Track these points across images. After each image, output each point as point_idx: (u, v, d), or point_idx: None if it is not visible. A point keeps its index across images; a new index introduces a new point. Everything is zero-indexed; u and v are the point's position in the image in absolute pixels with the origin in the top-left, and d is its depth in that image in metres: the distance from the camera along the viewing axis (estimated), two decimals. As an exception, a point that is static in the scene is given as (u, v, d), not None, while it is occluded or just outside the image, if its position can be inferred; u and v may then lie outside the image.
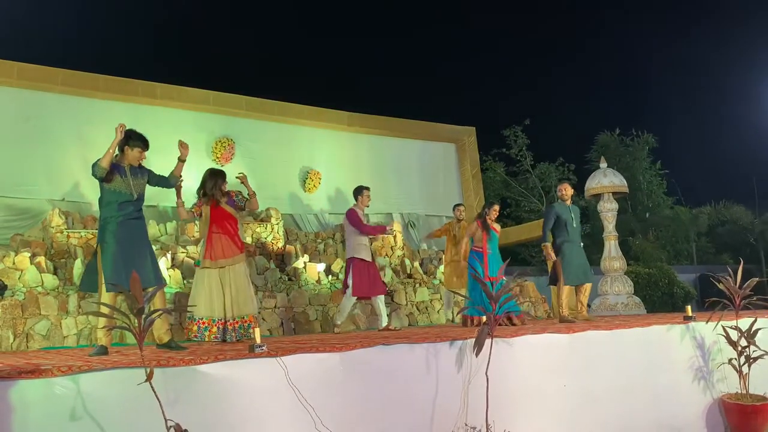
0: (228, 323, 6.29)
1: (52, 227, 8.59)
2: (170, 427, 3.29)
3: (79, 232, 8.67)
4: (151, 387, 3.29)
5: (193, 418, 3.48)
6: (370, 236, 7.69)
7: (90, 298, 7.34)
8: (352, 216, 7.57)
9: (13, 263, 7.61)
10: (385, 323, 7.41)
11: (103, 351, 4.74)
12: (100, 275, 5.06)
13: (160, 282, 5.21)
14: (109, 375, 3.50)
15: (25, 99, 9.44)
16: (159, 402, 3.29)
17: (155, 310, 3.87)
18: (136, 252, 5.13)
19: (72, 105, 9.84)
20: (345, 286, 7.53)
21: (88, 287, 5.41)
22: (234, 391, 3.84)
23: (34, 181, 9.35)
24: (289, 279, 9.33)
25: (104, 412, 3.41)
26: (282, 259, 9.94)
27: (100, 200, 5.28)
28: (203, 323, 6.28)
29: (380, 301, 7.48)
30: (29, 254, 7.81)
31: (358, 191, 7.84)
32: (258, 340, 4.19)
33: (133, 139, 5.35)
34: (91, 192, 9.74)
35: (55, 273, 7.89)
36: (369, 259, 7.48)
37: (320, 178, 11.99)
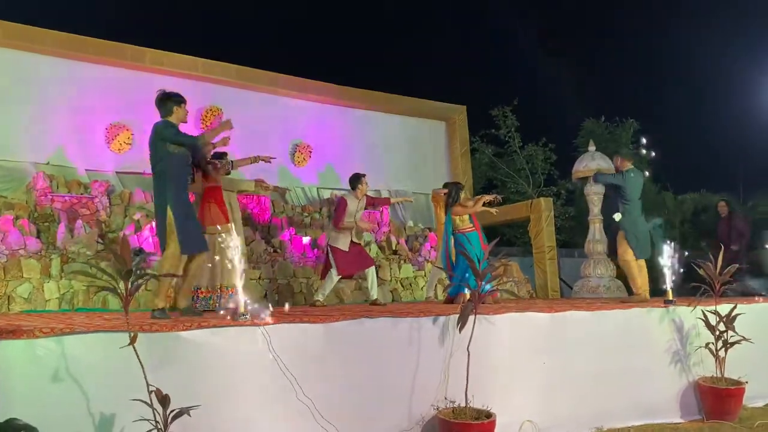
0: (211, 292, 6.33)
1: (37, 190, 8.50)
2: (151, 391, 3.30)
3: (64, 196, 8.59)
4: (135, 351, 3.29)
5: (174, 383, 3.49)
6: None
7: (72, 263, 7.30)
8: (338, 206, 7.43)
9: (-4, 225, 7.55)
10: (374, 296, 7.43)
11: (164, 315, 4.82)
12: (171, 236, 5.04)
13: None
14: (92, 338, 3.50)
15: (10, 60, 9.27)
16: (141, 366, 3.30)
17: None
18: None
19: (60, 67, 9.68)
20: (327, 266, 7.51)
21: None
22: (216, 359, 3.86)
23: (19, 143, 9.21)
24: (275, 251, 9.33)
25: (86, 375, 3.41)
26: (268, 231, 9.93)
27: (168, 167, 5.06)
28: (201, 293, 6.36)
29: (372, 272, 7.49)
30: (12, 216, 7.73)
31: (356, 180, 7.57)
32: (242, 309, 4.20)
33: (178, 96, 5.27)
34: (76, 156, 9.65)
35: (38, 236, 7.84)
36: (346, 248, 7.31)
37: (310, 152, 11.94)
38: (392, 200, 9.08)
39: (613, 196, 7.61)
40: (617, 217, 7.32)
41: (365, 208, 7.84)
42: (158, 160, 5.09)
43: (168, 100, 5.21)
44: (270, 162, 6.87)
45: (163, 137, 5.02)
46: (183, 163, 5.15)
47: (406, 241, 11.05)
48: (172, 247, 5.04)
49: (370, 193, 11.30)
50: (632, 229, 7.18)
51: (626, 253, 7.24)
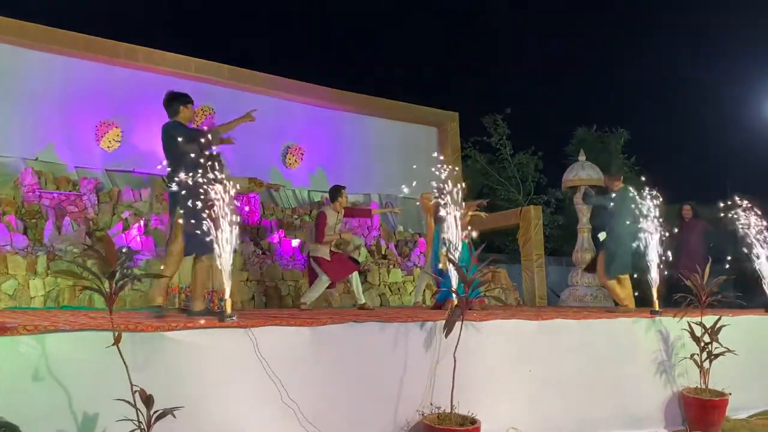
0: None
1: (24, 186, 8.44)
2: (135, 391, 3.27)
3: (52, 193, 8.54)
4: (119, 350, 3.27)
5: (159, 383, 3.47)
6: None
7: (59, 261, 7.25)
8: (318, 221, 7.35)
9: (-18, 220, 7.49)
10: (362, 300, 7.41)
11: (161, 312, 4.82)
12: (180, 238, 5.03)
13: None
14: (76, 336, 3.47)
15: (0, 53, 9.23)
16: (126, 366, 3.28)
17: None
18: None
19: (50, 63, 9.64)
20: (312, 276, 7.44)
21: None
22: (202, 360, 3.83)
23: (8, 138, 9.16)
24: (263, 253, 9.31)
25: (69, 374, 3.38)
26: (257, 233, 9.91)
27: (179, 167, 4.96)
28: (184, 291, 6.32)
29: (356, 277, 7.46)
30: (-1, 212, 7.69)
31: (336, 193, 7.46)
32: (228, 311, 4.18)
33: (185, 96, 5.28)
34: (65, 152, 9.60)
35: (25, 233, 7.78)
36: (328, 257, 7.21)
37: (302, 154, 11.93)
38: (373, 212, 9.03)
39: (602, 213, 7.66)
40: (602, 236, 7.42)
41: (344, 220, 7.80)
42: (170, 160, 5.13)
43: (174, 101, 5.26)
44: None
45: (172, 136, 5.03)
46: (194, 163, 5.10)
47: (396, 246, 11.05)
48: (174, 246, 5.09)
49: (359, 198, 11.30)
50: (615, 247, 7.25)
51: (602, 276, 7.45)
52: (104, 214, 8.74)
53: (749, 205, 7.22)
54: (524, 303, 10.87)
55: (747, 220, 7.17)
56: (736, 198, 7.22)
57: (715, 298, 6.06)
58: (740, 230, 7.24)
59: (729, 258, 7.43)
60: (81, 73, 9.87)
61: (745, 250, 7.24)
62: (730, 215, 7.24)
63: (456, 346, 4.48)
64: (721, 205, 7.33)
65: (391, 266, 10.09)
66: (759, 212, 7.23)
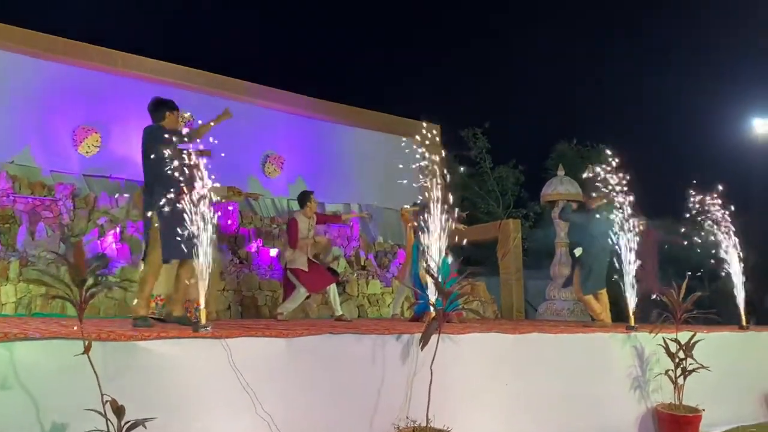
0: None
1: (-2, 190, 8.31)
2: (106, 401, 3.21)
3: (26, 198, 8.41)
4: (89, 359, 3.21)
5: (131, 394, 3.41)
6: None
7: (32, 267, 7.13)
8: (290, 227, 7.33)
9: (-47, 224, 7.34)
10: (340, 312, 7.37)
11: (146, 323, 4.72)
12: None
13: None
14: (46, 345, 3.40)
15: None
16: (96, 375, 3.21)
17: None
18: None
19: (28, 66, 9.52)
20: (289, 288, 7.37)
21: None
22: (175, 370, 3.77)
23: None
24: (240, 262, 9.23)
25: (38, 383, 3.31)
26: (235, 242, 9.83)
27: (157, 172, 4.92)
28: (160, 300, 6.23)
29: (333, 288, 7.42)
30: (-29, 216, 7.55)
31: (305, 198, 7.48)
32: (203, 321, 4.13)
33: (171, 103, 5.31)
34: (41, 157, 9.48)
35: (-3, 238, 7.64)
36: (305, 268, 7.18)
37: (282, 163, 11.88)
38: (344, 217, 9.02)
39: (578, 229, 7.70)
40: (578, 251, 7.47)
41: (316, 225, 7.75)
42: (148, 165, 5.06)
43: (161, 106, 5.25)
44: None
45: (152, 140, 4.97)
46: (173, 168, 5.03)
47: (375, 257, 11.03)
48: (154, 254, 5.00)
49: (339, 207, 11.26)
50: (591, 263, 7.30)
51: (578, 291, 7.53)
52: (80, 220, 8.62)
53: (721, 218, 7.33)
54: (502, 316, 10.89)
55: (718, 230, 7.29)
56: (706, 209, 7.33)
57: (690, 314, 6.12)
58: (715, 243, 7.35)
59: (697, 273, 7.51)
60: (59, 76, 9.75)
61: (723, 266, 7.35)
62: (699, 227, 7.34)
63: (433, 359, 4.46)
64: (687, 215, 7.43)
65: (370, 277, 10.06)
66: (729, 225, 7.34)
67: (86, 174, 9.77)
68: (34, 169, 9.29)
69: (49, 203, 8.50)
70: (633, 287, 6.45)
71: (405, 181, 6.25)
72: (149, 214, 5.01)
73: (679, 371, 5.83)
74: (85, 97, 9.88)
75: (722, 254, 7.38)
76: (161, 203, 4.71)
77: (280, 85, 12.02)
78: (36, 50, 9.48)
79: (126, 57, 10.21)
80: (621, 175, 6.70)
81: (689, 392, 5.84)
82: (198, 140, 5.16)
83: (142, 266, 5.31)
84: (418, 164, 5.73)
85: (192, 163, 4.55)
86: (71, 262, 3.26)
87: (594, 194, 7.59)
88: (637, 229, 6.21)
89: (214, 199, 4.48)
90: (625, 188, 6.62)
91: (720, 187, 7.36)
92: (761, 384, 6.89)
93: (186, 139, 4.99)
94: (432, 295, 5.23)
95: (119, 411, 3.20)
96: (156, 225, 4.93)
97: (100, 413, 3.21)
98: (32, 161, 9.38)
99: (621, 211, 6.61)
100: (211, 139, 5.13)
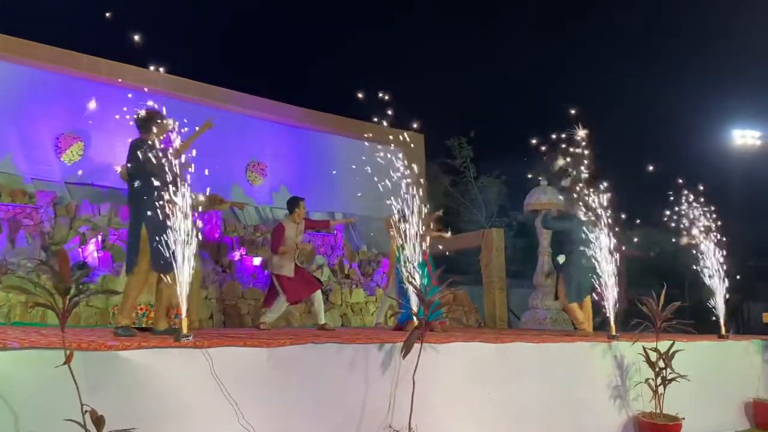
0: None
1: (-22, 198, 8.23)
2: (86, 412, 3.19)
3: (7, 206, 8.33)
4: (70, 370, 3.18)
5: (112, 404, 3.38)
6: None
7: (12, 275, 7.06)
8: (275, 231, 7.31)
9: (-68, 232, 7.25)
10: (323, 321, 7.36)
11: (128, 332, 4.69)
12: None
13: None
14: (26, 354, 3.37)
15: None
16: (76, 386, 3.19)
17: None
18: None
19: (8, 73, 9.45)
20: (272, 294, 7.35)
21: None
22: (156, 380, 3.75)
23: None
24: (223, 270, 9.19)
25: (16, 393, 3.27)
26: (218, 250, 9.79)
27: (143, 184, 4.96)
28: (141, 309, 6.19)
29: (318, 296, 7.40)
30: (-50, 224, 7.46)
31: (294, 204, 7.45)
32: (185, 330, 4.11)
33: (158, 114, 5.33)
34: (23, 164, 9.39)
35: (-24, 246, 7.56)
36: (291, 274, 7.19)
37: (263, 170, 11.87)
38: (332, 222, 9.04)
39: (561, 237, 7.76)
40: (561, 259, 7.52)
41: (305, 231, 7.74)
42: (134, 177, 5.05)
43: (148, 119, 5.24)
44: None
45: (137, 153, 4.96)
46: (158, 180, 5.02)
47: (359, 266, 11.02)
48: (142, 264, 4.98)
49: (322, 216, 11.25)
50: (573, 272, 7.34)
51: (565, 300, 7.58)
52: (61, 228, 8.55)
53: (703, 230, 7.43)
54: (485, 325, 10.93)
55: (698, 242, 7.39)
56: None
57: (669, 323, 6.18)
58: (695, 255, 7.44)
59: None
60: (42, 83, 9.69)
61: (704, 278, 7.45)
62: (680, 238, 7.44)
63: (415, 369, 4.48)
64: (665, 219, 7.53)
65: (353, 286, 10.06)
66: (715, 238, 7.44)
67: (68, 182, 9.70)
68: (15, 177, 9.20)
69: (29, 211, 8.42)
70: (614, 296, 6.51)
71: (390, 189, 6.25)
72: (135, 223, 4.99)
73: (659, 380, 5.89)
74: (67, 105, 9.81)
75: (702, 262, 7.47)
76: (148, 214, 4.70)
77: (264, 94, 12.02)
78: (18, 57, 9.41)
79: (111, 65, 10.15)
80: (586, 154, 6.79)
81: (669, 401, 5.90)
82: (182, 155, 5.16)
83: (123, 275, 5.29)
84: (400, 173, 5.76)
85: (175, 173, 4.56)
86: (55, 269, 3.24)
87: (570, 200, 7.66)
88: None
89: (198, 209, 4.48)
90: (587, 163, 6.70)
91: (701, 195, 7.46)
92: (741, 392, 6.97)
93: (171, 157, 4.97)
94: (414, 304, 5.25)
95: (99, 421, 3.18)
96: (144, 236, 4.91)
97: (79, 423, 3.18)
98: (14, 169, 9.30)
99: (601, 220, 6.67)
100: (193, 153, 5.12)
